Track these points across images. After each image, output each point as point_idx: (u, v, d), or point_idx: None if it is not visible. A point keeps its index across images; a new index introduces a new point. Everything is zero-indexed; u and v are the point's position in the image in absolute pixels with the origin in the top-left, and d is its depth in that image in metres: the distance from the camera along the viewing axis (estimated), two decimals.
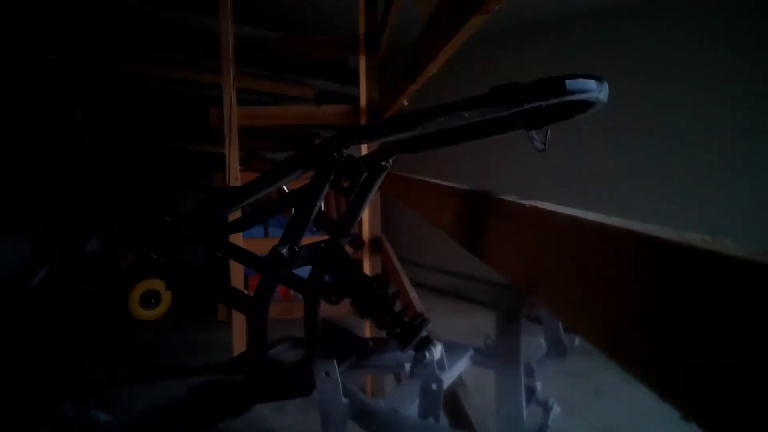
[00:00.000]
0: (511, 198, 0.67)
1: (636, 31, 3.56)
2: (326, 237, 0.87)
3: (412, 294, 1.86)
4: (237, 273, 2.51)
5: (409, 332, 0.73)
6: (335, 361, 0.69)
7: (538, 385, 0.83)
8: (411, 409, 0.75)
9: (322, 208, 0.89)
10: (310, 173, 0.84)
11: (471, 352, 0.94)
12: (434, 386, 0.74)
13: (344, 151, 0.79)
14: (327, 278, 0.83)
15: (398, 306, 0.76)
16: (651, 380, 0.33)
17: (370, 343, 0.91)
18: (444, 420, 0.78)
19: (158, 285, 3.57)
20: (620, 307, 0.37)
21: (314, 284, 0.81)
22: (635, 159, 3.57)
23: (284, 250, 0.79)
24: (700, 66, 3.25)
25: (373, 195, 0.81)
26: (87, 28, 3.65)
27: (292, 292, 1.86)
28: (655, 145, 3.46)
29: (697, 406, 0.29)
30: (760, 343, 0.24)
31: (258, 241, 2.93)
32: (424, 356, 0.72)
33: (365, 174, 0.78)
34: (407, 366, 0.87)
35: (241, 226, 1.03)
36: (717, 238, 0.31)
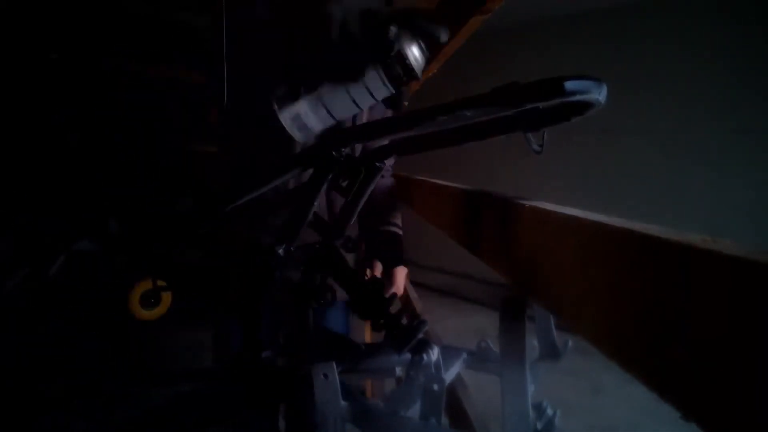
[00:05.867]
0: (511, 198, 0.66)
1: (633, 33, 3.56)
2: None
3: (412, 294, 1.85)
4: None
5: (405, 335, 0.72)
6: (334, 363, 0.68)
7: (532, 388, 0.82)
8: (411, 411, 0.74)
9: (320, 209, 0.87)
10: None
11: (464, 356, 0.92)
12: (436, 387, 0.73)
13: (343, 150, 0.78)
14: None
15: (395, 308, 0.75)
16: (651, 380, 0.33)
17: (362, 347, 0.89)
18: (444, 421, 0.77)
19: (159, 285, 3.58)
20: (620, 307, 0.37)
21: (306, 286, 0.80)
22: (633, 159, 3.57)
23: (280, 250, 0.78)
24: (694, 68, 3.26)
25: (367, 196, 0.80)
26: (86, 28, 3.65)
27: None
28: (652, 145, 3.46)
29: (697, 406, 0.29)
30: (760, 342, 0.24)
31: None
32: (422, 359, 0.71)
33: (363, 174, 0.77)
34: (398, 370, 0.86)
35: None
36: (717, 238, 0.30)
